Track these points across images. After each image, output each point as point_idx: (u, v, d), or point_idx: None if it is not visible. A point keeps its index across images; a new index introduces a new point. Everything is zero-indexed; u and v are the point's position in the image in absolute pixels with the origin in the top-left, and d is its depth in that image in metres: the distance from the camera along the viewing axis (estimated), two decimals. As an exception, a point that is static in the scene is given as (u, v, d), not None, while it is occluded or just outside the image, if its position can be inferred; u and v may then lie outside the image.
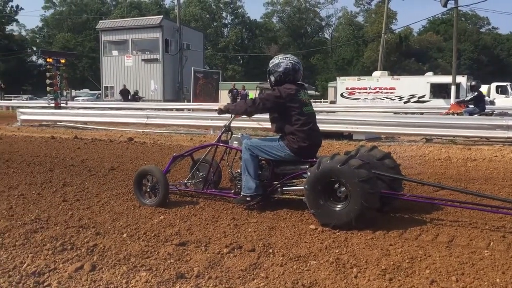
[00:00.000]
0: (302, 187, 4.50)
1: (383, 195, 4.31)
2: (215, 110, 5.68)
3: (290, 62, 4.92)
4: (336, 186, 4.23)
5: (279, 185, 4.86)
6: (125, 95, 29.49)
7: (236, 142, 5.25)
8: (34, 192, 5.77)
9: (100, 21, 40.78)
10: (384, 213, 4.54)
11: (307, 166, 4.63)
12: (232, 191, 5.20)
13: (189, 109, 25.46)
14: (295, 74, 4.93)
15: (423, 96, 26.89)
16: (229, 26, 74.89)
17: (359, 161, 4.20)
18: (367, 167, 4.20)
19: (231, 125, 5.46)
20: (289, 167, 4.82)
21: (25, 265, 3.28)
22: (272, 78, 4.98)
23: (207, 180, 5.44)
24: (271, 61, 5.06)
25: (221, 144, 5.39)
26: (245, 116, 5.36)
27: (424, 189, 5.73)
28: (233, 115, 5.32)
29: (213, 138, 5.51)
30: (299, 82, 4.99)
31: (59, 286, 2.93)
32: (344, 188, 4.17)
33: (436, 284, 2.97)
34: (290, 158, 4.80)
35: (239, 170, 5.11)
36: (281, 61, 4.94)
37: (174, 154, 5.61)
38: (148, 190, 5.16)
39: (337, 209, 4.19)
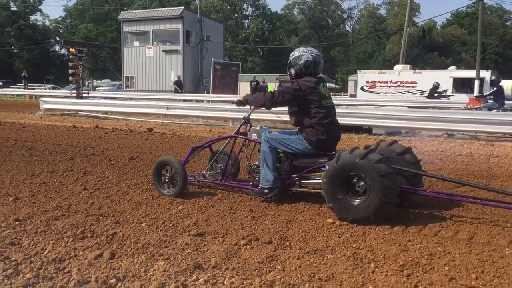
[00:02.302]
0: (320, 181, 4.49)
1: (402, 190, 4.27)
2: (234, 102, 5.69)
3: (311, 55, 4.87)
4: (355, 180, 4.20)
5: (297, 178, 4.85)
6: (180, 86, 29.37)
7: (254, 134, 5.25)
8: (55, 180, 5.87)
9: (122, 12, 41.02)
10: (403, 209, 4.50)
11: (326, 160, 4.61)
12: (250, 183, 5.21)
13: (208, 101, 25.52)
14: (316, 67, 4.88)
15: (445, 91, 26.42)
16: (249, 17, 74.59)
17: (378, 156, 4.16)
18: (387, 162, 4.16)
19: (250, 117, 5.46)
20: (307, 160, 4.80)
21: (46, 252, 3.34)
22: (293, 71, 4.94)
23: (225, 172, 5.45)
24: (291, 54, 5.01)
25: (240, 136, 5.40)
26: (264, 108, 5.35)
27: (445, 185, 5.66)
28: (252, 107, 5.30)
29: (232, 129, 5.52)
30: (319, 76, 4.95)
31: (79, 273, 2.98)
32: (363, 183, 4.14)
33: (455, 281, 2.93)
34: (309, 151, 4.78)
35: (257, 163, 5.12)
36: (302, 53, 4.89)
37: (193, 145, 5.63)
38: (167, 180, 5.21)
39: (355, 203, 4.17)
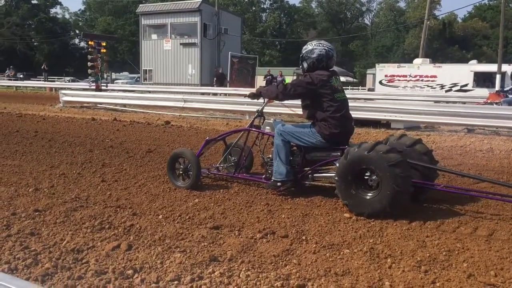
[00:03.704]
0: (333, 174, 4.50)
1: (416, 185, 4.25)
2: (247, 95, 5.70)
3: (324, 49, 4.85)
4: (367, 174, 4.20)
5: (310, 172, 4.86)
6: (222, 79, 29.32)
7: (268, 128, 5.26)
8: (74, 171, 5.94)
9: (140, 5, 41.14)
10: (419, 202, 4.46)
11: (339, 154, 4.61)
12: (263, 176, 5.22)
13: (225, 94, 25.54)
14: (329, 60, 4.87)
15: (466, 85, 25.99)
16: (267, 10, 74.29)
17: (386, 146, 4.16)
18: (395, 151, 4.14)
19: (264, 110, 5.45)
20: (320, 154, 4.80)
21: (65, 242, 3.39)
22: (305, 65, 4.94)
23: (239, 165, 5.46)
24: (304, 47, 5.00)
25: (253, 129, 5.41)
26: (277, 101, 5.35)
27: (464, 181, 5.57)
28: (266, 100, 5.32)
29: (249, 123, 5.52)
30: (331, 69, 4.93)
31: (96, 264, 3.01)
32: (374, 176, 4.14)
33: (474, 278, 2.89)
34: (322, 144, 4.77)
35: (270, 156, 5.13)
36: (314, 47, 4.88)
37: (207, 138, 5.66)
38: (181, 172, 5.25)
39: (369, 197, 4.16)
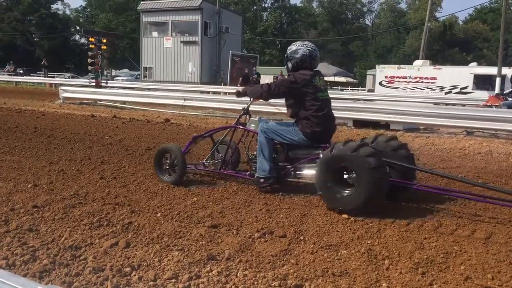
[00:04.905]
0: (313, 172, 4.60)
1: (392, 183, 4.36)
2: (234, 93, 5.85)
3: (308, 49, 5.01)
4: (346, 172, 4.30)
5: (292, 169, 4.95)
6: (246, 82, 29.26)
7: (253, 125, 5.38)
8: (73, 168, 5.94)
9: (142, 2, 41.07)
10: (395, 202, 4.54)
11: (320, 152, 4.69)
12: (248, 172, 5.30)
13: (225, 93, 25.52)
14: (312, 61, 5.02)
15: (465, 87, 26.02)
16: (268, 10, 74.28)
17: (370, 149, 4.23)
18: (378, 156, 4.21)
19: (250, 108, 5.59)
20: (302, 152, 4.93)
21: (63, 239, 3.39)
22: (290, 65, 5.10)
23: (225, 161, 5.56)
24: (289, 48, 5.16)
25: (239, 126, 5.54)
26: (262, 100, 5.50)
27: (462, 183, 5.57)
28: (251, 99, 5.44)
29: (247, 121, 5.57)
30: (315, 69, 5.07)
31: (94, 261, 3.01)
32: (353, 175, 4.22)
33: (471, 281, 2.90)
34: (304, 142, 4.90)
35: (255, 153, 5.23)
36: (298, 47, 5.04)
37: (194, 135, 5.81)
38: (167, 167, 5.33)
39: (345, 194, 4.26)
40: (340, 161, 4.28)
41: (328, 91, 5.21)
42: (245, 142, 5.51)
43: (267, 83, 5.19)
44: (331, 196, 4.32)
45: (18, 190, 4.72)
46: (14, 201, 4.30)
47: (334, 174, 4.32)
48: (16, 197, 4.42)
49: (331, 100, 5.17)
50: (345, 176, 4.30)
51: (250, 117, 5.56)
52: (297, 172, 4.95)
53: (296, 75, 4.88)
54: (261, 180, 4.97)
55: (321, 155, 4.50)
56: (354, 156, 4.16)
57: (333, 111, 5.08)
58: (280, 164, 5.03)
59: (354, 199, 4.16)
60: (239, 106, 5.85)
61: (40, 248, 3.21)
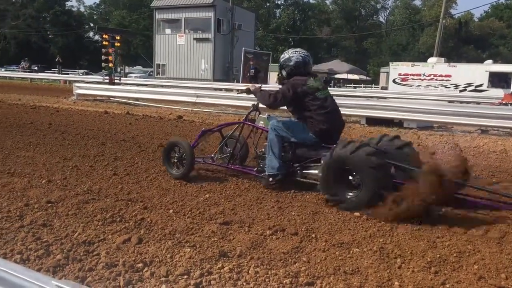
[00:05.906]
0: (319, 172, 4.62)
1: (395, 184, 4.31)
2: (238, 90, 5.88)
3: (301, 56, 5.16)
4: (349, 173, 4.30)
5: (299, 168, 4.98)
6: (255, 78, 29.30)
7: (262, 122, 5.43)
8: (87, 164, 5.99)
9: (155, -1, 41.36)
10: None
11: (327, 152, 4.68)
12: (255, 168, 5.34)
13: (237, 90, 25.51)
14: (305, 66, 5.17)
15: (480, 85, 25.68)
16: (281, 7, 73.99)
17: (370, 149, 4.22)
18: (379, 155, 4.20)
19: (260, 105, 5.62)
20: (310, 151, 4.96)
21: (76, 234, 3.42)
22: (284, 72, 5.24)
23: (233, 156, 5.62)
24: (281, 56, 5.30)
25: (248, 122, 5.58)
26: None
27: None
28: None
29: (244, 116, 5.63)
30: (309, 73, 5.19)
31: (107, 256, 3.04)
32: (356, 176, 4.23)
33: (484, 281, 2.87)
34: (313, 141, 4.95)
35: (263, 149, 5.27)
36: (291, 55, 5.18)
37: (203, 128, 5.85)
38: (176, 161, 5.39)
39: (349, 196, 4.27)
40: (342, 163, 4.29)
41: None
42: (254, 138, 5.56)
43: (275, 94, 5.19)
44: (337, 199, 4.33)
45: (32, 185, 4.78)
46: (28, 197, 4.35)
47: (338, 177, 4.32)
48: (30, 193, 4.48)
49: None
50: (350, 178, 4.31)
51: (259, 113, 5.60)
52: (304, 171, 4.98)
53: (291, 81, 5.02)
54: (270, 178, 5.01)
55: (322, 161, 4.55)
56: (355, 157, 4.16)
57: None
58: (288, 162, 5.07)
59: (359, 200, 4.16)
60: (251, 104, 5.85)
61: (54, 243, 3.24)
